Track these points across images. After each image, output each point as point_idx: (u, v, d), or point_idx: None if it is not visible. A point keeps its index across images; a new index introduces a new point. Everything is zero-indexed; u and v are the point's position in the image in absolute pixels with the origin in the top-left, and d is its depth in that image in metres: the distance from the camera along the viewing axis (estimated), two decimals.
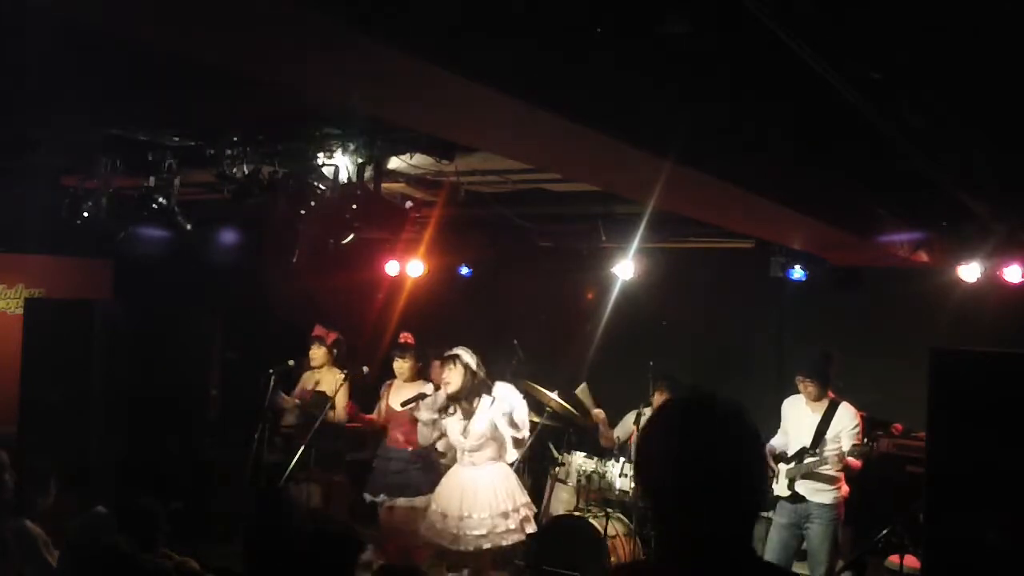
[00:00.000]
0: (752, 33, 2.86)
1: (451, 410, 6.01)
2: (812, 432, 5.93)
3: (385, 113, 4.03)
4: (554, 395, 7.07)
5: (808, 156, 4.51)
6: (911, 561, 5.37)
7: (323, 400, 6.64)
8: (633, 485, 6.55)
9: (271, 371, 6.72)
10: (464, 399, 5.96)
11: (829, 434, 5.89)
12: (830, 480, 5.87)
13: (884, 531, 5.21)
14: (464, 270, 8.78)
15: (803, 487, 5.92)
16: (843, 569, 5.67)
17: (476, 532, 5.81)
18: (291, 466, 5.97)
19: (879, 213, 5.61)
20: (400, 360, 6.77)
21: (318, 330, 7.16)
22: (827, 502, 5.87)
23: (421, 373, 6.83)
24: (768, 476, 6.15)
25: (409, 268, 8.24)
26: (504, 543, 5.88)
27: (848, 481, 5.94)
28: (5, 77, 4.14)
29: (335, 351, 7.18)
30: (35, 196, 6.77)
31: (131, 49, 3.32)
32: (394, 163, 5.43)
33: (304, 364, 7.13)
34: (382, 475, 6.66)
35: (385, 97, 3.33)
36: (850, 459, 5.78)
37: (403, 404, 6.45)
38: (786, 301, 7.51)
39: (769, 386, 7.12)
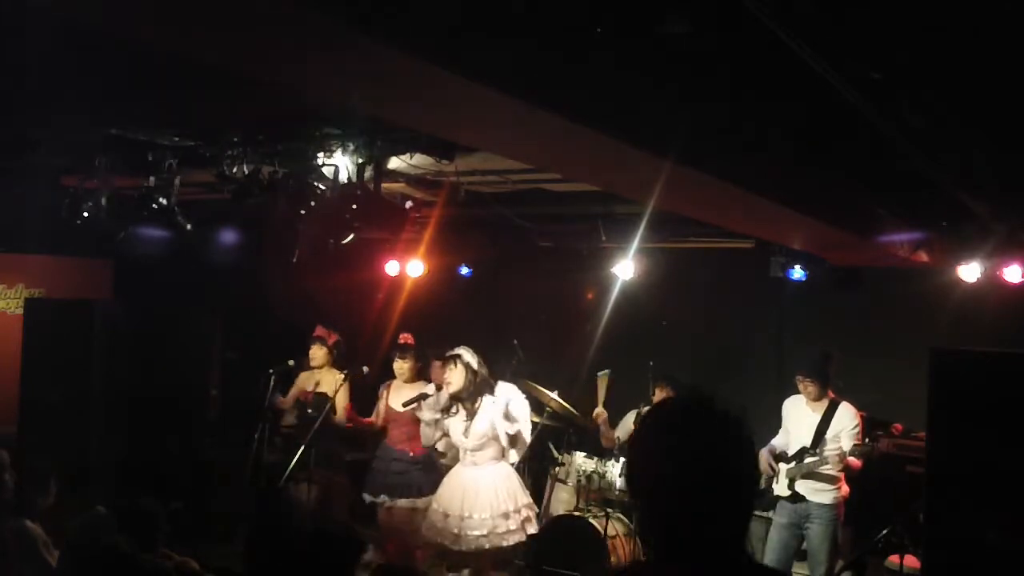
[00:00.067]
0: (752, 33, 2.85)
1: (453, 410, 6.02)
2: (812, 432, 5.93)
3: (385, 113, 4.03)
4: (554, 395, 7.07)
5: (808, 156, 4.51)
6: (911, 561, 5.37)
7: (324, 401, 6.63)
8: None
9: (271, 371, 6.72)
10: (466, 399, 5.96)
11: (829, 434, 5.89)
12: (830, 480, 5.87)
13: (884, 531, 5.20)
14: (464, 270, 8.77)
15: (803, 487, 5.92)
16: (843, 569, 5.67)
17: (477, 532, 5.82)
18: (291, 466, 5.97)
19: (879, 213, 5.61)
20: (400, 361, 6.77)
21: (319, 331, 7.14)
22: (827, 502, 5.87)
23: (421, 374, 6.83)
24: (760, 477, 6.17)
25: (409, 268, 8.24)
26: (505, 543, 5.89)
27: (848, 481, 5.94)
28: (5, 77, 4.14)
29: (335, 352, 7.16)
30: (35, 196, 6.77)
31: (131, 49, 3.32)
32: (394, 163, 5.43)
33: (304, 364, 7.12)
34: (383, 475, 6.65)
35: (385, 97, 3.33)
36: (851, 459, 5.79)
37: (405, 404, 6.45)
38: (786, 301, 7.51)
39: (769, 386, 7.13)
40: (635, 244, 7.15)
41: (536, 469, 7.54)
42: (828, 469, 5.82)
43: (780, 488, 6.00)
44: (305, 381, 7.10)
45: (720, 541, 1.73)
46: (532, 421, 6.39)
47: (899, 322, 6.99)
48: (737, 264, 7.55)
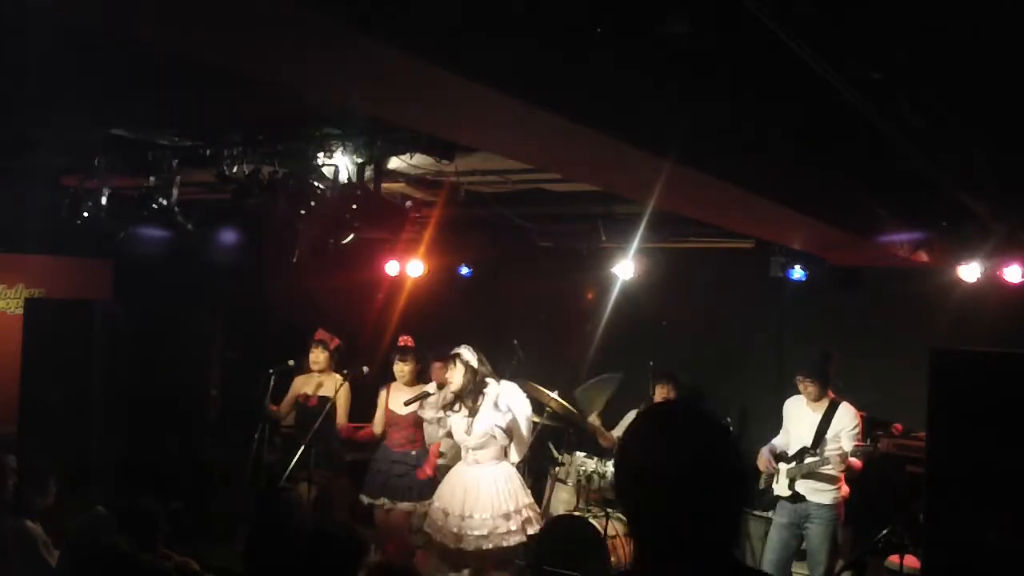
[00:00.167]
0: (752, 33, 2.85)
1: (456, 407, 6.02)
2: (813, 432, 5.93)
3: (385, 113, 4.03)
4: (554, 395, 7.08)
5: (808, 156, 4.51)
6: (911, 561, 5.37)
7: (330, 409, 6.64)
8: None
9: (271, 371, 6.72)
10: (467, 397, 5.97)
11: (829, 434, 5.89)
12: (830, 480, 5.87)
13: (884, 531, 5.21)
14: (464, 270, 8.77)
15: (803, 487, 5.92)
16: (843, 569, 5.67)
17: (477, 532, 5.82)
18: (291, 466, 5.97)
19: (879, 213, 5.61)
20: (400, 363, 6.76)
21: (321, 334, 7.11)
22: (827, 502, 5.88)
23: (421, 376, 6.82)
24: (761, 476, 6.17)
25: (409, 268, 8.24)
26: (505, 544, 5.89)
27: (848, 481, 5.94)
28: (5, 77, 4.14)
29: (336, 356, 7.14)
30: (35, 196, 6.77)
31: (131, 49, 3.32)
32: (394, 163, 5.43)
33: (304, 365, 7.11)
34: (383, 477, 6.65)
35: (385, 97, 3.33)
36: (852, 460, 5.79)
37: (407, 403, 6.45)
38: (786, 301, 7.51)
39: (769, 386, 7.13)
40: (635, 244, 7.15)
41: (536, 469, 7.54)
42: (829, 469, 5.82)
43: (780, 488, 6.01)
44: (303, 384, 7.07)
45: (717, 541, 1.74)
46: (532, 421, 6.40)
47: (899, 322, 6.99)
48: (737, 264, 7.55)
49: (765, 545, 6.23)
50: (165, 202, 5.76)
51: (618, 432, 7.25)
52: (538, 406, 6.97)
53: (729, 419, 7.30)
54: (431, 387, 6.36)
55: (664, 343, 7.74)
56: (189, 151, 5.63)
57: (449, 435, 6.21)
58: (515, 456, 6.20)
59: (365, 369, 6.88)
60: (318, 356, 7.02)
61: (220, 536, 6.70)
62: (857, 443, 5.82)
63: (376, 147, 5.13)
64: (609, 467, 6.81)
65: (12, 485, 4.63)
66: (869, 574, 5.87)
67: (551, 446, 7.34)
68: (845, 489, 5.93)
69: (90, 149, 5.82)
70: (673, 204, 5.43)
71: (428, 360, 6.92)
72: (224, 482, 7.35)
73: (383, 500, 6.59)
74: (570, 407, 7.17)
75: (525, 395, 6.24)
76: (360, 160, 5.22)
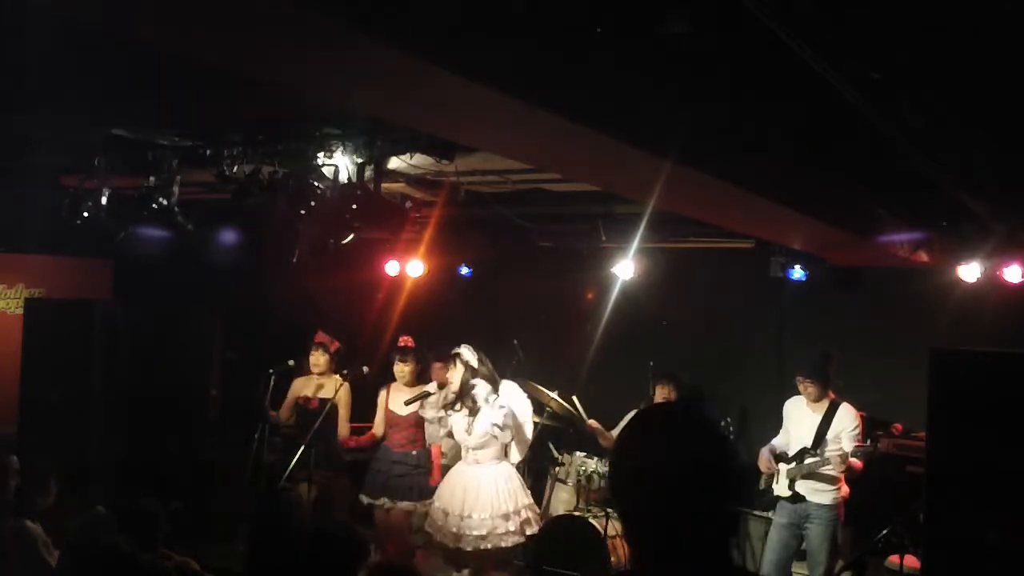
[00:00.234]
0: (752, 33, 2.85)
1: (457, 406, 6.02)
2: (813, 433, 5.93)
3: (385, 113, 4.03)
4: (554, 395, 7.08)
5: (808, 156, 4.51)
6: (911, 561, 5.37)
7: (331, 410, 6.64)
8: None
9: (271, 371, 6.71)
10: (467, 396, 5.97)
11: (830, 435, 5.89)
12: (830, 480, 5.87)
13: (884, 531, 5.21)
14: (464, 270, 8.77)
15: (803, 487, 5.92)
16: (843, 569, 5.67)
17: (476, 532, 5.82)
18: (291, 466, 5.97)
19: (879, 213, 5.60)
20: (401, 364, 6.76)
21: (322, 336, 7.10)
22: (827, 502, 5.88)
23: (421, 377, 6.82)
24: (762, 476, 6.18)
25: (409, 268, 8.24)
26: (504, 544, 5.89)
27: (848, 482, 5.94)
28: (5, 77, 4.14)
29: (337, 359, 7.12)
30: (35, 196, 6.77)
31: (131, 49, 3.32)
32: (394, 163, 5.43)
33: (304, 365, 7.11)
34: (383, 477, 6.64)
35: (385, 97, 3.33)
36: (852, 460, 5.78)
37: (407, 403, 6.45)
38: (786, 301, 7.51)
39: (769, 386, 7.13)
40: (635, 244, 7.15)
41: (536, 469, 7.54)
42: (829, 470, 5.82)
43: (780, 488, 6.00)
44: (302, 387, 7.05)
45: (715, 542, 1.74)
46: (532, 421, 6.40)
47: (899, 322, 6.99)
48: (737, 264, 7.55)
49: (765, 545, 6.23)
50: (165, 202, 5.76)
51: (618, 432, 7.25)
52: (538, 406, 6.98)
53: (729, 419, 7.30)
54: (432, 387, 6.36)
55: (664, 343, 7.74)
56: (189, 151, 5.62)
57: (450, 435, 6.21)
58: (516, 456, 6.20)
59: (365, 369, 6.87)
60: (318, 359, 6.99)
61: (220, 536, 6.70)
62: (857, 443, 5.82)
63: (376, 147, 5.13)
64: None
65: (15, 486, 4.63)
66: (869, 574, 5.87)
67: (551, 446, 7.34)
68: (845, 489, 5.93)
69: (90, 149, 5.82)
70: (673, 204, 5.43)
71: (428, 360, 6.92)
72: (224, 482, 7.35)
73: (383, 500, 6.59)
74: (570, 407, 7.17)
75: (526, 395, 6.23)
76: (360, 160, 5.22)
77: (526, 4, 2.88)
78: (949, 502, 4.58)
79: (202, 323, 7.91)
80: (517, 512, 5.94)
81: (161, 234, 6.12)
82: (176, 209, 5.83)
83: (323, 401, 6.72)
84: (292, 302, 8.50)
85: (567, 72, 3.15)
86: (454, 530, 5.87)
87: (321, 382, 6.96)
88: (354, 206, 5.14)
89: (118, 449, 7.03)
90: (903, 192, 5.33)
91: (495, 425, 5.88)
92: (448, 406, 6.08)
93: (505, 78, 2.91)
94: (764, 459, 6.14)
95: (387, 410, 6.78)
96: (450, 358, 6.06)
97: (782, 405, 6.25)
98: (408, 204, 6.09)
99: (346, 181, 5.22)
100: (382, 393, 6.91)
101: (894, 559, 5.45)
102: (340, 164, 5.24)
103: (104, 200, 5.95)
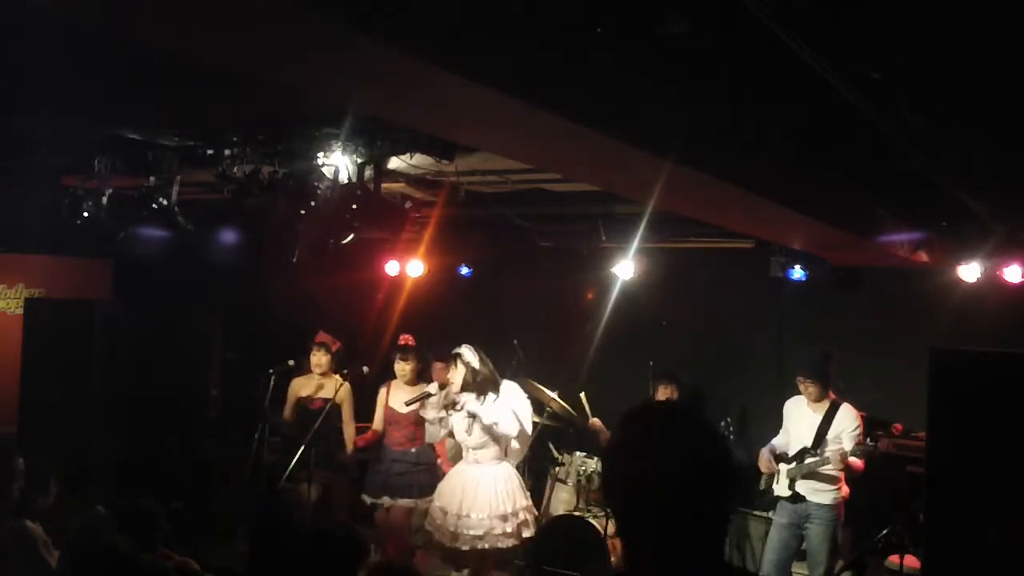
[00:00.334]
0: (752, 33, 2.85)
1: (458, 406, 6.03)
2: (813, 433, 5.93)
3: (385, 113, 4.03)
4: (554, 395, 7.08)
5: (808, 156, 4.51)
6: (911, 561, 5.37)
7: (334, 407, 6.65)
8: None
9: (271, 371, 6.71)
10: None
11: (830, 435, 5.89)
12: (831, 480, 5.87)
13: (884, 531, 5.21)
14: (464, 270, 8.78)
15: (803, 487, 5.92)
16: (843, 569, 5.67)
17: (473, 532, 5.82)
18: (291, 466, 5.97)
19: (879, 213, 5.60)
20: (402, 362, 6.76)
21: (322, 336, 7.10)
22: (827, 502, 5.88)
23: (422, 376, 6.83)
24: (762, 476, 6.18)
25: (409, 268, 8.24)
26: (501, 545, 5.88)
27: (849, 482, 5.94)
28: (5, 77, 4.14)
29: (337, 359, 7.12)
30: (35, 196, 6.77)
31: (131, 49, 3.32)
32: (394, 163, 5.43)
33: (304, 365, 7.11)
34: (383, 476, 6.65)
35: (385, 97, 3.33)
36: (853, 459, 5.78)
37: (408, 403, 6.45)
38: (786, 301, 7.51)
39: (769, 386, 7.13)
40: (635, 244, 7.15)
41: (536, 469, 7.54)
42: (829, 469, 5.82)
43: (780, 488, 6.01)
44: (302, 386, 7.05)
45: (712, 542, 1.74)
46: (532, 421, 6.40)
47: (899, 322, 6.99)
48: (737, 264, 7.56)
49: (765, 545, 6.23)
50: (165, 202, 5.76)
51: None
52: (538, 406, 6.98)
53: (729, 419, 7.30)
54: (432, 387, 6.36)
55: (664, 343, 7.74)
56: (189, 151, 5.62)
57: (451, 435, 6.21)
58: (515, 457, 6.20)
59: (365, 369, 6.88)
60: (320, 359, 6.98)
61: (220, 536, 6.70)
62: (857, 443, 5.82)
63: (376, 147, 5.13)
64: None
65: (18, 488, 4.63)
66: (869, 574, 5.88)
67: (551, 446, 7.34)
68: (845, 489, 5.93)
69: (90, 149, 5.82)
70: (673, 204, 5.42)
71: (429, 359, 6.92)
72: (224, 482, 7.35)
73: (384, 499, 6.59)
74: (570, 407, 7.18)
75: (526, 395, 6.23)
76: (360, 160, 5.22)
77: (526, 4, 2.88)
78: (949, 502, 4.59)
79: (202, 323, 7.91)
80: (515, 513, 5.94)
81: (161, 234, 6.12)
82: (176, 209, 5.83)
83: (325, 401, 6.72)
84: (292, 302, 8.51)
85: (567, 72, 3.14)
86: (452, 529, 5.87)
87: (321, 382, 6.96)
88: (354, 206, 5.14)
89: (118, 449, 7.03)
90: (903, 192, 5.33)
91: (495, 424, 5.88)
92: (449, 406, 6.08)
93: (505, 78, 2.91)
94: (764, 459, 6.14)
95: (387, 407, 6.79)
96: (451, 358, 6.06)
97: (782, 405, 6.25)
98: (408, 204, 6.09)
99: (346, 181, 5.22)
100: (382, 391, 6.92)
101: (894, 559, 5.46)
102: (340, 164, 5.24)
103: (104, 200, 5.95)
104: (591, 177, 5.32)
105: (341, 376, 6.82)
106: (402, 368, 6.76)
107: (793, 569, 6.20)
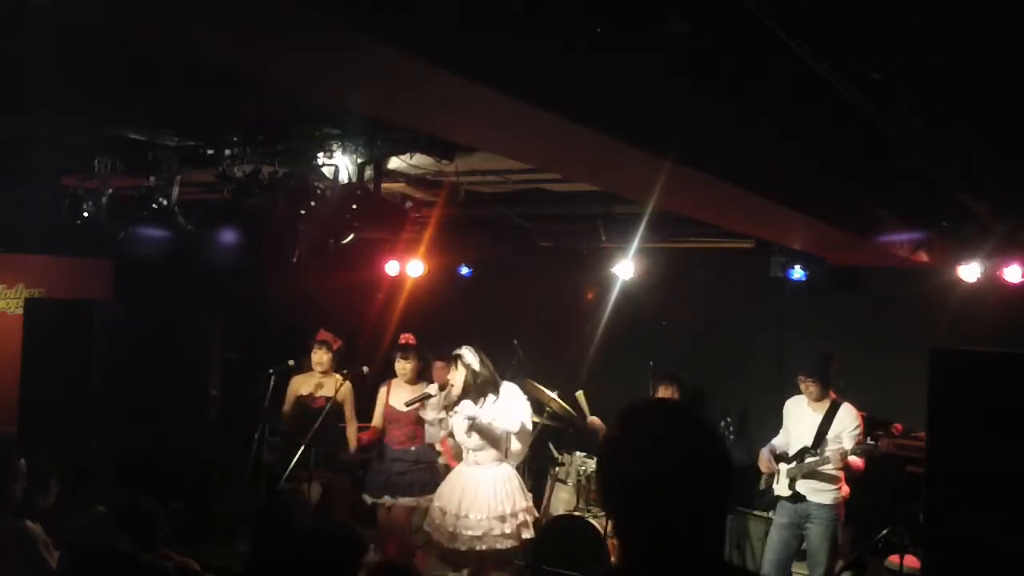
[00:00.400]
0: (752, 33, 2.85)
1: (457, 408, 6.02)
2: (813, 432, 5.93)
3: (385, 113, 4.02)
4: (554, 395, 7.08)
5: (808, 156, 4.51)
6: (911, 561, 5.37)
7: (336, 409, 6.65)
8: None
9: (271, 371, 6.71)
10: (468, 398, 5.97)
11: (830, 435, 5.89)
12: (831, 480, 5.87)
13: (884, 531, 5.21)
14: (464, 270, 8.78)
15: (804, 487, 5.92)
16: (843, 569, 5.67)
17: (471, 533, 5.82)
18: (291, 466, 5.97)
19: (879, 213, 5.61)
20: (403, 361, 6.76)
21: (324, 334, 7.10)
22: (827, 502, 5.88)
23: (422, 375, 6.83)
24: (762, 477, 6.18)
25: (409, 268, 8.24)
26: (499, 546, 5.87)
27: (849, 482, 5.94)
28: (5, 77, 4.14)
29: (338, 357, 7.12)
30: (35, 196, 6.77)
31: (131, 49, 3.32)
32: (394, 163, 5.43)
33: (304, 364, 7.11)
34: (384, 476, 6.65)
35: (385, 97, 3.33)
36: (853, 459, 5.78)
37: (407, 404, 6.45)
38: (786, 301, 7.51)
39: (769, 386, 7.14)
40: (635, 244, 7.15)
41: (536, 469, 7.54)
42: (829, 468, 5.82)
43: (781, 488, 6.01)
44: (301, 384, 7.06)
45: (712, 541, 1.74)
46: (532, 421, 6.40)
47: (899, 322, 7.00)
48: (737, 264, 7.56)
49: (765, 545, 6.24)
50: (165, 202, 5.76)
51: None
52: (538, 406, 6.98)
53: (729, 419, 7.30)
54: (432, 388, 6.36)
55: (664, 343, 7.74)
56: (189, 151, 5.62)
57: (451, 435, 6.21)
58: (514, 458, 6.20)
59: (365, 369, 6.88)
60: (321, 357, 6.98)
61: (220, 536, 6.69)
62: (858, 442, 5.82)
63: (376, 147, 5.13)
64: None
65: (20, 489, 4.62)
66: (869, 574, 5.87)
67: (551, 446, 7.34)
68: (845, 489, 5.93)
69: (90, 149, 5.82)
70: (673, 204, 5.43)
71: (429, 359, 6.92)
72: (224, 482, 7.35)
73: (385, 498, 6.59)
74: (569, 407, 7.18)
75: (525, 396, 6.23)
76: (360, 160, 5.22)
77: (526, 4, 2.88)
78: (949, 502, 4.58)
79: (202, 323, 7.91)
80: (514, 514, 5.94)
81: (161, 234, 6.12)
82: (176, 209, 5.83)
83: (327, 400, 6.73)
84: (292, 302, 8.50)
85: (567, 72, 3.14)
86: (450, 529, 5.87)
87: (321, 380, 6.96)
88: (354, 206, 5.14)
89: (118, 449, 7.03)
90: (903, 192, 5.33)
91: (495, 423, 5.88)
92: (449, 407, 6.07)
93: (505, 78, 2.91)
94: (764, 459, 6.14)
95: (387, 406, 6.78)
96: (452, 359, 6.06)
97: (782, 405, 6.25)
98: (408, 204, 6.09)
99: (346, 181, 5.22)
100: (382, 389, 6.92)
101: (894, 559, 5.46)
102: (340, 164, 5.24)
103: (104, 200, 5.95)
104: (591, 177, 5.32)
105: (341, 376, 6.83)
106: (403, 367, 6.76)
107: (793, 569, 6.20)
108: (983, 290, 6.34)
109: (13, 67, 3.95)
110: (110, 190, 5.98)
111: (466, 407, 5.89)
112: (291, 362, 6.99)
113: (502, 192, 6.59)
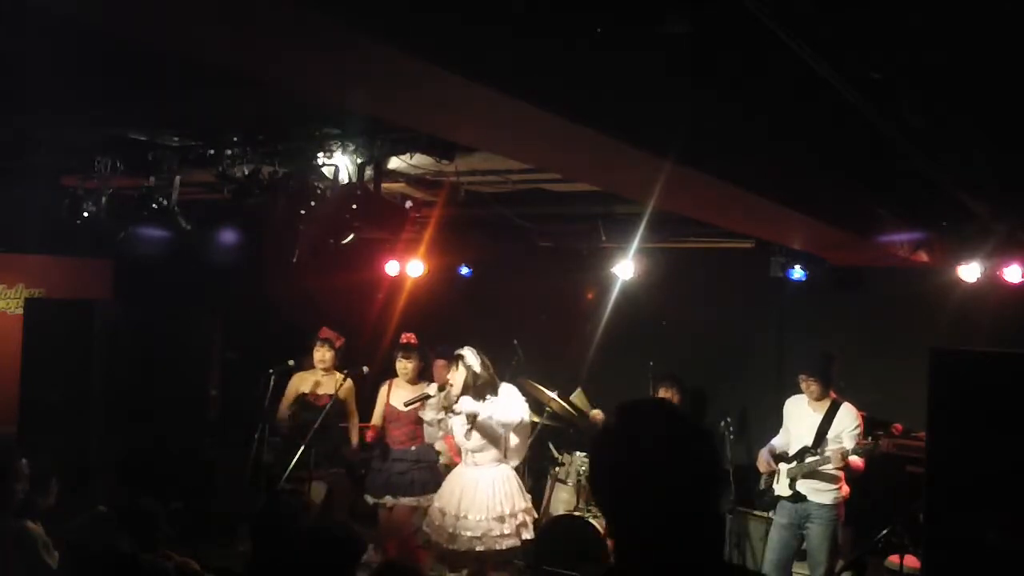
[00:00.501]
0: (752, 33, 2.86)
1: (456, 408, 6.02)
2: (814, 432, 5.93)
3: (385, 113, 4.03)
4: (554, 395, 7.08)
5: (808, 156, 4.51)
6: (911, 561, 5.37)
7: (339, 404, 6.64)
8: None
9: (271, 371, 6.71)
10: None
11: (830, 434, 5.89)
12: (831, 480, 5.87)
13: (884, 531, 5.21)
14: (464, 270, 8.78)
15: (804, 487, 5.92)
16: (843, 569, 5.67)
17: (470, 533, 5.82)
18: (291, 466, 5.97)
19: (879, 213, 5.61)
20: (404, 360, 6.75)
21: (326, 332, 7.10)
22: (827, 502, 5.87)
23: (423, 374, 6.82)
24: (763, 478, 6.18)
25: (409, 268, 8.24)
26: (498, 547, 5.87)
27: (849, 482, 5.94)
28: (5, 77, 4.14)
29: (340, 355, 7.12)
30: (35, 196, 6.78)
31: (131, 49, 3.32)
32: (394, 163, 5.43)
33: (304, 364, 7.11)
34: (385, 476, 6.64)
35: (385, 97, 3.33)
36: (853, 459, 5.78)
37: (407, 404, 6.45)
38: (786, 301, 7.51)
39: (769, 386, 7.13)
40: (635, 244, 7.15)
41: (536, 469, 7.54)
42: (829, 468, 5.82)
43: (781, 488, 6.01)
44: (300, 382, 7.05)
45: (711, 540, 1.74)
46: (532, 421, 6.40)
47: (899, 322, 6.99)
48: (737, 264, 7.56)
49: (765, 545, 6.23)
50: (165, 202, 5.76)
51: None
52: (538, 406, 6.97)
53: (729, 419, 7.30)
54: (432, 389, 6.36)
55: (664, 343, 7.74)
56: (189, 151, 5.63)
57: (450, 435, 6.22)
58: (514, 458, 6.20)
59: (365, 369, 6.87)
60: (324, 355, 6.98)
61: (220, 536, 6.70)
62: (858, 442, 5.82)
63: (376, 147, 5.13)
64: None
65: (21, 489, 4.63)
66: (869, 574, 5.87)
67: (551, 446, 7.34)
68: (845, 489, 5.93)
69: (90, 149, 5.82)
70: (673, 204, 5.43)
71: (430, 358, 6.92)
72: (224, 482, 7.35)
73: (387, 498, 6.59)
74: (569, 407, 7.17)
75: (524, 397, 6.23)
76: (360, 160, 5.22)
77: (526, 4, 2.88)
78: (949, 502, 4.59)
79: (202, 323, 7.92)
80: (513, 515, 5.93)
81: (161, 234, 6.12)
82: (176, 209, 5.83)
83: (330, 397, 6.73)
84: (292, 302, 8.50)
85: (567, 72, 3.15)
86: (450, 530, 5.87)
87: (321, 379, 6.97)
88: (354, 206, 5.14)
89: (118, 449, 7.03)
90: (903, 192, 5.33)
91: (494, 421, 5.88)
92: (448, 408, 6.07)
93: (505, 78, 2.91)
94: (763, 459, 6.14)
95: (387, 405, 6.78)
96: (452, 359, 6.06)
97: (782, 405, 6.25)
98: (408, 204, 6.09)
99: (346, 181, 5.22)
100: (383, 388, 6.91)
101: (894, 559, 5.46)
102: (340, 164, 5.24)
103: (104, 200, 5.96)
104: (591, 177, 5.32)
105: (342, 375, 6.83)
106: (404, 366, 6.76)
107: (793, 569, 6.20)
108: (983, 290, 6.34)
109: (13, 67, 3.95)
110: (110, 190, 5.98)
111: (466, 403, 5.89)
112: (291, 362, 6.99)
113: (502, 192, 6.59)
